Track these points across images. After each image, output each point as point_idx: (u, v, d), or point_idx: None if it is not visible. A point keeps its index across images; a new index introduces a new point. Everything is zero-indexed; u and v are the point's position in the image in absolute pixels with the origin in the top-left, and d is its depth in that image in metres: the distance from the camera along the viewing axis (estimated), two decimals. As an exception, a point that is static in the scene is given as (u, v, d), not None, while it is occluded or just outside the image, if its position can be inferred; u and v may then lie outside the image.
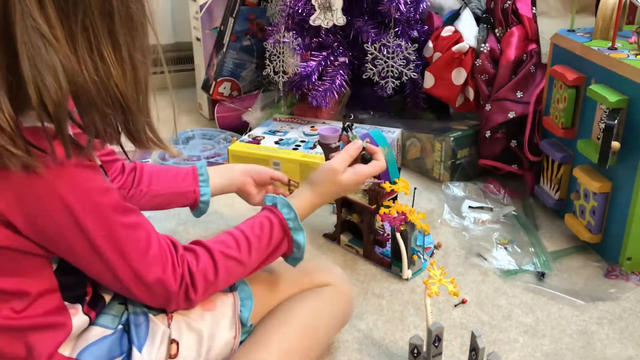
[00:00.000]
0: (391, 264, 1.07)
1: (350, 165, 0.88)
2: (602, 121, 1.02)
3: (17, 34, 0.49)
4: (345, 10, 1.41)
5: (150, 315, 0.68)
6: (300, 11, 1.43)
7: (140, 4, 0.56)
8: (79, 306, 0.63)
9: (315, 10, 1.41)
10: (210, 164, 1.47)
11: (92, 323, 0.65)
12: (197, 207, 0.99)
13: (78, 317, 0.63)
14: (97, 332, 0.65)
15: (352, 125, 0.98)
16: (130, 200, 0.91)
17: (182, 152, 1.28)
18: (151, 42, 0.59)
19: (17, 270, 0.58)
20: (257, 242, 0.72)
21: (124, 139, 0.60)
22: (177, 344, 0.68)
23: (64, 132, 0.52)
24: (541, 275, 1.05)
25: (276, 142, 1.43)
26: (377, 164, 0.90)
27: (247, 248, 0.71)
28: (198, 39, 1.79)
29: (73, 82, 0.51)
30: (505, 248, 1.12)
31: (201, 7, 1.71)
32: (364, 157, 0.91)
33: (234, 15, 1.67)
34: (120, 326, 0.67)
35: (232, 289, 0.75)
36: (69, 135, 0.53)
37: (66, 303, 0.62)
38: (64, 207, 0.55)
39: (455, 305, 0.99)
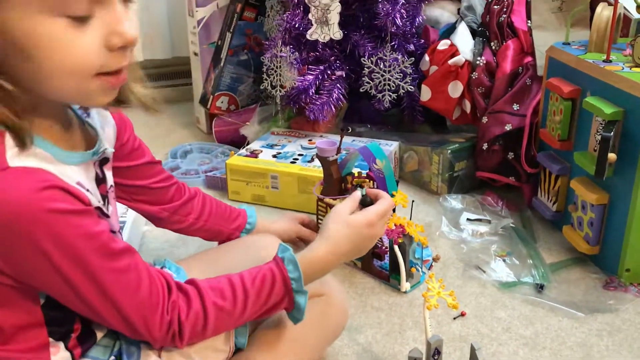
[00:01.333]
0: (390, 276, 1.06)
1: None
2: (598, 133, 1.03)
3: None
4: (341, 25, 1.42)
5: (142, 345, 0.66)
6: (297, 26, 1.44)
7: None
8: (61, 344, 0.61)
9: (312, 24, 1.42)
10: (208, 177, 1.47)
11: (82, 356, 0.63)
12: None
13: (59, 355, 0.61)
14: None
15: (363, 188, 0.87)
16: (174, 224, 0.92)
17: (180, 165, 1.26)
18: None
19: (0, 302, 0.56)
20: (255, 297, 0.68)
21: None
22: None
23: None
24: (540, 288, 1.05)
25: (274, 156, 1.43)
26: (385, 201, 0.81)
27: (244, 301, 0.67)
28: (195, 54, 1.80)
29: None
30: (504, 260, 1.12)
31: (199, 22, 1.72)
32: (365, 201, 0.82)
33: (231, 30, 1.68)
34: (112, 358, 0.65)
35: None
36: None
37: (50, 339, 0.60)
38: (42, 256, 0.53)
39: (455, 318, 0.98)
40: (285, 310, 0.72)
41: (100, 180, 0.66)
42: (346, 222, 0.76)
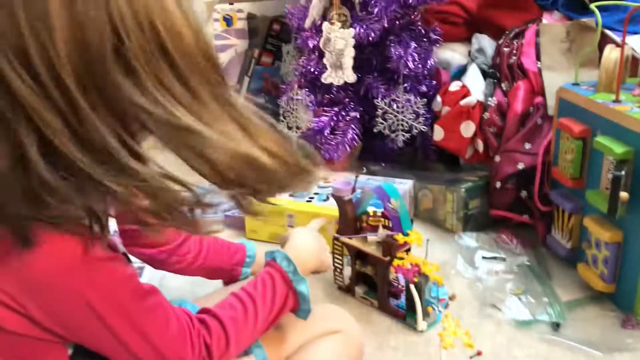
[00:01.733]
0: (406, 316, 1.07)
1: None
2: (609, 172, 1.04)
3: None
4: (355, 68, 1.47)
5: None
6: (312, 70, 1.48)
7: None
8: None
9: (326, 68, 1.46)
10: (227, 216, 1.50)
11: None
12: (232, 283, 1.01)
13: None
14: None
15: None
16: (173, 265, 0.94)
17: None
18: None
19: (30, 356, 0.57)
20: (262, 300, 0.73)
21: None
22: None
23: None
24: (556, 326, 1.05)
25: (290, 195, 1.46)
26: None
27: (253, 308, 0.72)
28: (214, 97, 1.85)
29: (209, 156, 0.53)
30: (519, 298, 1.13)
31: (217, 66, 1.78)
32: None
33: (249, 74, 1.74)
34: None
35: (247, 352, 0.76)
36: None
37: None
38: (86, 305, 0.55)
39: (471, 357, 0.99)
40: (292, 311, 0.77)
41: None
42: (310, 235, 0.91)
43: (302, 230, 0.95)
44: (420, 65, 1.50)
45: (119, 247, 0.61)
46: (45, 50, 0.47)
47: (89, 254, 0.53)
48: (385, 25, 1.45)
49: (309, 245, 0.90)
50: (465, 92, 1.42)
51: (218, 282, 1.16)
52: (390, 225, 1.10)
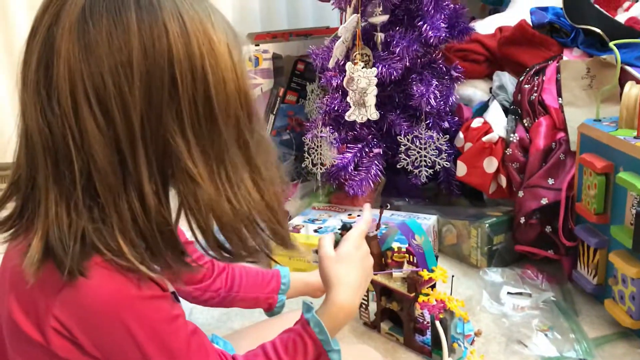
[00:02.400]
0: (432, 352, 1.08)
1: None
2: (633, 208, 1.05)
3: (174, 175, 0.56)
4: (378, 105, 1.50)
5: None
6: (336, 108, 1.52)
7: (262, 127, 0.63)
8: None
9: (350, 106, 1.50)
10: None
11: None
12: (271, 312, 1.03)
13: None
14: None
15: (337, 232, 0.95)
16: (207, 302, 0.96)
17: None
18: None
19: None
20: None
21: None
22: None
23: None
24: (584, 363, 1.05)
25: (315, 231, 1.48)
26: (361, 221, 0.86)
27: None
28: (240, 134, 1.90)
29: (216, 212, 0.57)
30: (546, 334, 1.12)
31: (244, 105, 1.83)
32: (346, 228, 0.89)
33: (274, 112, 1.79)
34: None
35: None
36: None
37: None
38: (130, 338, 0.57)
39: (498, 394, 0.98)
40: None
41: None
42: (335, 259, 0.80)
43: (344, 259, 0.82)
44: (442, 102, 1.53)
45: (169, 285, 0.64)
46: (123, 94, 0.53)
47: (140, 290, 0.56)
48: (407, 64, 1.48)
49: (348, 297, 0.77)
50: (487, 129, 1.44)
51: (242, 318, 1.17)
52: (415, 261, 1.11)
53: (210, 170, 0.57)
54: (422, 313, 1.14)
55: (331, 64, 1.52)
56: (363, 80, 1.46)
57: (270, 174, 0.62)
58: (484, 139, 1.42)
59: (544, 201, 1.31)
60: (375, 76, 1.46)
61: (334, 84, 1.52)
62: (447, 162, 1.52)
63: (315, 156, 1.62)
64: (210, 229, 0.58)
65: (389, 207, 1.54)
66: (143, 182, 0.55)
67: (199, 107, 0.56)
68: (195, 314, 1.27)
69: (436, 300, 1.04)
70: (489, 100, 1.55)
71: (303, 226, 1.51)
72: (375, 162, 1.55)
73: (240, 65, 0.59)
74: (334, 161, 1.54)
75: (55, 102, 0.53)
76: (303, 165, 1.69)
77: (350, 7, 1.49)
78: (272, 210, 0.61)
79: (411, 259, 1.13)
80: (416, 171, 1.54)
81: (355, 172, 1.55)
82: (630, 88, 1.18)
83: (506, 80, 1.52)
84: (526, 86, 1.43)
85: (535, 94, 1.41)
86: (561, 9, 1.51)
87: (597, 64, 1.38)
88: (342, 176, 1.55)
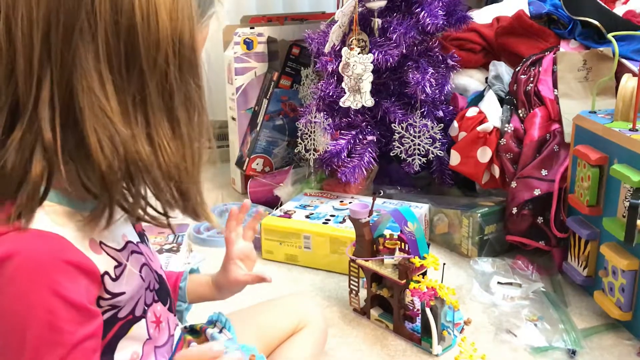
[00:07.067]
0: (421, 339, 1.08)
1: None
2: (626, 200, 1.05)
3: (83, 109, 0.52)
4: (373, 92, 1.49)
5: None
6: (331, 94, 1.51)
7: (198, 83, 0.58)
8: None
9: (345, 92, 1.49)
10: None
11: None
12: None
13: None
14: None
15: None
16: None
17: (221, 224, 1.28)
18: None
19: None
20: None
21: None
22: None
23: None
24: (572, 353, 1.05)
25: (307, 216, 1.47)
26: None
27: None
28: (233, 118, 1.88)
29: (128, 154, 0.53)
30: (535, 324, 1.13)
31: (237, 89, 1.81)
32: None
33: (267, 97, 1.77)
34: None
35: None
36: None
37: None
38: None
39: (486, 383, 0.99)
40: None
41: None
42: None
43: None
44: (437, 91, 1.52)
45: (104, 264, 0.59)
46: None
47: None
48: (404, 51, 1.47)
49: None
50: (482, 118, 1.44)
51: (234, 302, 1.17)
52: (407, 248, 1.11)
53: (125, 110, 0.53)
54: (412, 300, 1.14)
55: (327, 48, 1.51)
56: (359, 66, 1.45)
57: (193, 132, 0.58)
58: (479, 128, 1.42)
59: (537, 192, 1.31)
60: (371, 62, 1.45)
61: (329, 70, 1.51)
62: (440, 151, 1.52)
63: (308, 142, 1.61)
64: (116, 173, 0.53)
65: (381, 194, 1.53)
66: (42, 115, 0.51)
67: (120, 43, 0.52)
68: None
69: (427, 288, 1.04)
70: (484, 90, 1.54)
71: (295, 212, 1.50)
72: (369, 149, 1.54)
73: (183, 8, 0.55)
74: (327, 147, 1.53)
75: None
76: (296, 151, 1.68)
77: (347, -9, 1.48)
78: (185, 168, 0.57)
79: (403, 246, 1.13)
80: (409, 159, 1.53)
81: (349, 159, 1.54)
82: (626, 80, 1.18)
83: (502, 70, 1.52)
84: (522, 77, 1.43)
85: (531, 85, 1.40)
86: (559, 0, 1.51)
87: (594, 56, 1.37)
88: (335, 163, 1.54)
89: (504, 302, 1.20)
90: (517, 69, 1.46)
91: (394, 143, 1.54)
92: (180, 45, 0.55)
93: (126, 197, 0.56)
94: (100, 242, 0.59)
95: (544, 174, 1.32)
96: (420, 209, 1.49)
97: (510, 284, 1.26)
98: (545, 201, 1.31)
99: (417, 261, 1.06)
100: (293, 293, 1.26)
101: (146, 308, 0.66)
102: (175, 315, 0.76)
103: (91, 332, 0.55)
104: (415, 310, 1.12)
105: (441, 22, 1.46)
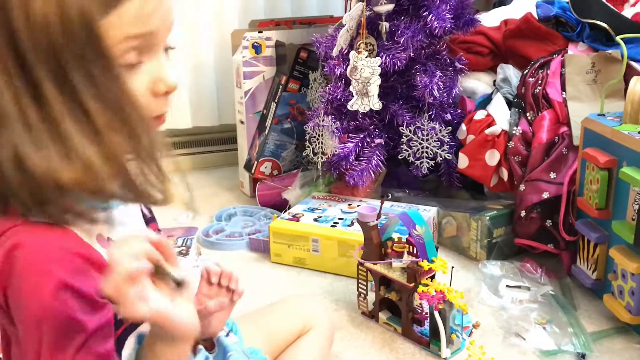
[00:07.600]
0: (430, 342, 1.08)
1: None
2: (635, 203, 1.05)
3: None
4: (381, 96, 1.49)
5: None
6: (338, 97, 1.51)
7: (106, 66, 0.52)
8: None
9: (352, 96, 1.49)
10: (251, 240, 1.52)
11: None
12: None
13: None
14: None
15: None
16: None
17: (226, 228, 1.25)
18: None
19: None
20: None
21: None
22: None
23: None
24: (581, 357, 1.04)
25: (315, 220, 1.48)
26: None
27: None
28: (242, 122, 1.89)
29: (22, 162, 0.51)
30: (544, 328, 1.12)
31: (245, 92, 1.82)
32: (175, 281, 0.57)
33: (276, 101, 1.78)
34: None
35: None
36: None
37: None
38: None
39: (495, 386, 0.99)
40: None
41: (150, 220, 0.70)
42: None
43: None
44: (445, 94, 1.52)
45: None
46: None
47: None
48: (411, 54, 1.47)
49: None
50: (490, 121, 1.44)
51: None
52: (415, 251, 1.11)
53: (20, 109, 0.49)
54: (420, 303, 1.14)
55: (335, 52, 1.51)
56: (367, 69, 1.46)
57: (111, 122, 0.52)
58: (487, 131, 1.42)
59: (546, 195, 1.31)
60: (379, 66, 1.45)
61: (337, 73, 1.51)
62: (448, 154, 1.52)
63: (316, 145, 1.61)
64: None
65: (389, 197, 1.53)
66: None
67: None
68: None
69: (435, 291, 1.04)
70: (492, 92, 1.54)
71: (303, 215, 1.51)
72: (377, 152, 1.54)
73: None
74: (335, 151, 1.53)
75: None
76: (304, 154, 1.68)
77: (355, -5, 1.48)
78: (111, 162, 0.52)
79: (411, 249, 1.13)
80: (417, 162, 1.53)
81: (356, 162, 1.54)
82: (635, 83, 1.17)
83: (510, 73, 1.52)
84: (530, 79, 1.42)
85: (539, 88, 1.40)
86: (567, 2, 1.50)
87: (602, 59, 1.37)
88: (342, 166, 1.55)
89: (513, 305, 1.20)
90: (525, 72, 1.46)
91: (402, 146, 1.54)
92: (68, 23, 0.49)
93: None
94: (108, 238, 0.59)
95: (552, 177, 1.32)
96: (428, 212, 1.48)
97: (519, 287, 1.26)
98: (553, 204, 1.31)
99: (425, 264, 1.06)
100: (299, 295, 1.27)
101: None
102: None
103: (105, 320, 0.56)
104: (423, 313, 1.12)
105: (449, 25, 1.46)
